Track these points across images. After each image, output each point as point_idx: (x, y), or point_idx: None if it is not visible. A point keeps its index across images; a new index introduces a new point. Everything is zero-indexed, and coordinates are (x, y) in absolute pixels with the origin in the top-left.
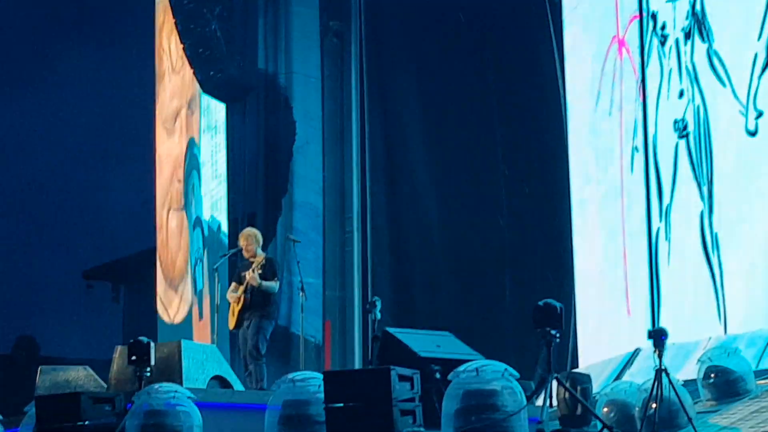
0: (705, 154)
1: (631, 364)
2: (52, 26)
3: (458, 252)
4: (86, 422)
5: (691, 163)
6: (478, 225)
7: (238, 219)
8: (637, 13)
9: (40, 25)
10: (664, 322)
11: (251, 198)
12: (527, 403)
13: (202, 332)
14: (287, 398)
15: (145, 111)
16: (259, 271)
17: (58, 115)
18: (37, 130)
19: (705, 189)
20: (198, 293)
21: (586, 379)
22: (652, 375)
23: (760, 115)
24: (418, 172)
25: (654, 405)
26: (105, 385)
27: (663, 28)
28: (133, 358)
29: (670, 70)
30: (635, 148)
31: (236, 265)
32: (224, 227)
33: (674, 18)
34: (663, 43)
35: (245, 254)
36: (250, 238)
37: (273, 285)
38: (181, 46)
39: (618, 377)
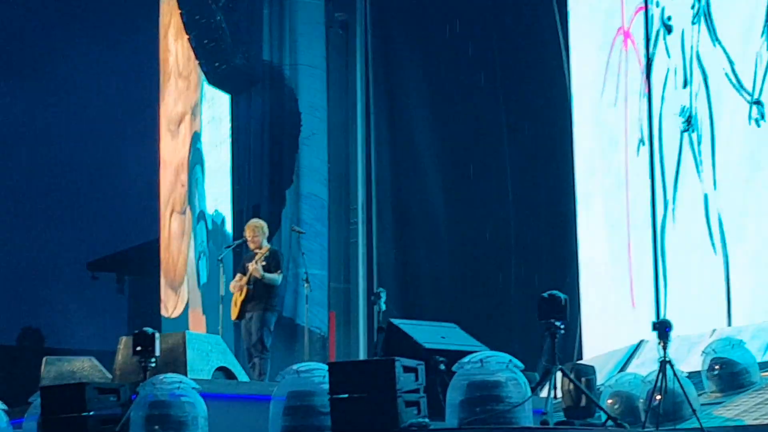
0: (710, 144)
1: (636, 355)
2: (58, 21)
3: (463, 243)
4: (91, 413)
5: (696, 154)
6: (484, 216)
7: (242, 211)
8: (643, 5)
9: (46, 19)
10: (668, 314)
11: (256, 189)
12: (532, 394)
13: (198, 324)
14: (292, 389)
15: (149, 104)
16: (263, 263)
17: (63, 108)
18: (43, 122)
19: (710, 180)
20: (201, 287)
21: (590, 370)
22: (657, 366)
23: (764, 105)
24: (423, 163)
25: (658, 397)
26: (110, 376)
27: (668, 19)
28: (138, 348)
29: (675, 62)
30: (640, 140)
31: (241, 257)
32: (228, 219)
33: (679, 9)
34: (668, 34)
35: (251, 245)
36: (257, 229)
37: (276, 277)
38: (187, 37)
39: (622, 369)
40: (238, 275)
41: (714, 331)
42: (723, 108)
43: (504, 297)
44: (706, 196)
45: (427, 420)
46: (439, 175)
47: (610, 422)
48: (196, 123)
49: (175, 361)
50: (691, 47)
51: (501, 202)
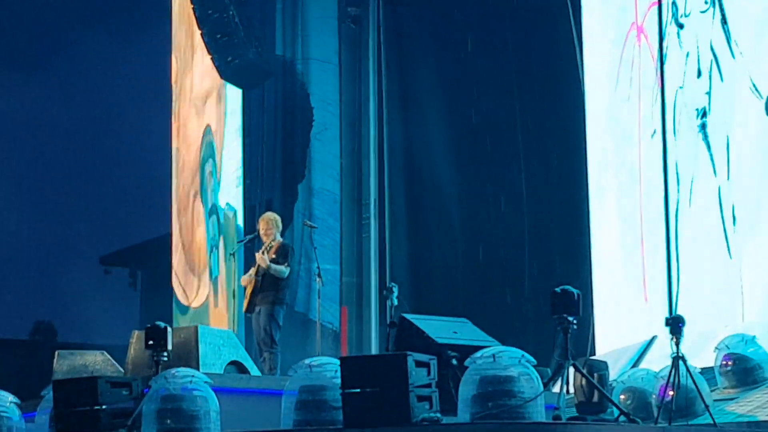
0: (724, 139)
1: (648, 351)
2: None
3: (476, 238)
4: (103, 406)
5: (710, 148)
6: (497, 211)
7: (254, 205)
8: (656, 0)
9: (58, 12)
10: (681, 310)
11: (268, 184)
12: (544, 389)
13: (219, 319)
14: (304, 383)
15: (161, 97)
16: (273, 256)
17: (76, 102)
18: (55, 116)
19: (724, 175)
20: (214, 280)
21: (603, 366)
22: (669, 362)
23: None
24: (436, 158)
25: (671, 392)
26: (122, 370)
27: (681, 14)
28: (150, 342)
29: (688, 54)
30: (653, 135)
31: (254, 251)
32: (240, 214)
33: (693, 3)
34: (681, 29)
35: (264, 239)
36: (270, 222)
37: (282, 269)
38: (199, 32)
39: (635, 364)
40: (252, 269)
41: (727, 326)
42: (737, 102)
43: (516, 292)
44: (719, 191)
45: (439, 415)
46: (451, 169)
47: (622, 418)
48: (221, 107)
49: (188, 355)
50: (705, 41)
51: (514, 196)
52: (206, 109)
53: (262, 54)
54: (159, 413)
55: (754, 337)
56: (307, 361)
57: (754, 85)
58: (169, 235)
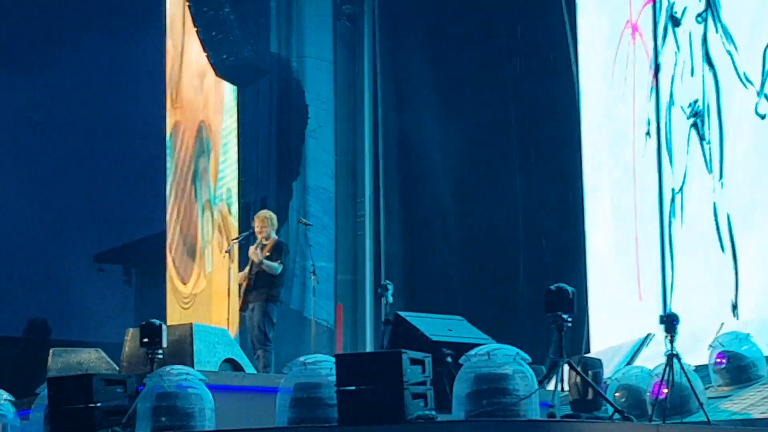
0: (717, 138)
1: (643, 348)
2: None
3: (471, 236)
4: (98, 404)
5: (703, 147)
6: (491, 208)
7: (249, 203)
8: None
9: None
10: (675, 308)
11: (263, 182)
12: (539, 387)
13: (219, 316)
14: (299, 381)
15: (155, 95)
16: (267, 254)
17: (72, 100)
18: (50, 114)
19: (717, 173)
20: (207, 276)
21: (597, 363)
22: (664, 360)
23: None
24: (431, 156)
25: (665, 390)
26: (117, 368)
27: (676, 12)
28: (145, 340)
29: (683, 55)
30: (648, 133)
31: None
32: (235, 211)
33: (687, 2)
34: (676, 28)
35: (258, 236)
36: (266, 220)
37: (275, 266)
38: (195, 29)
39: (629, 362)
40: (247, 267)
41: (721, 324)
42: (731, 101)
43: (511, 289)
44: (713, 190)
45: (433, 412)
46: (446, 167)
47: (617, 415)
48: (216, 104)
49: (182, 353)
50: (699, 40)
51: (509, 194)
52: (201, 107)
53: (257, 52)
54: (154, 411)
55: (748, 335)
56: (301, 359)
57: (749, 82)
58: (164, 233)
